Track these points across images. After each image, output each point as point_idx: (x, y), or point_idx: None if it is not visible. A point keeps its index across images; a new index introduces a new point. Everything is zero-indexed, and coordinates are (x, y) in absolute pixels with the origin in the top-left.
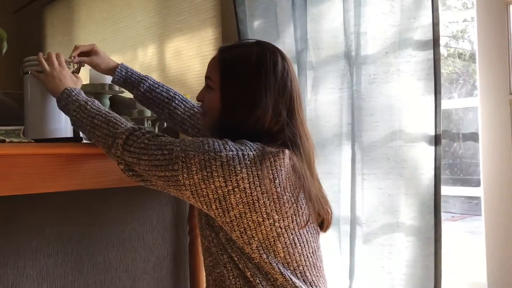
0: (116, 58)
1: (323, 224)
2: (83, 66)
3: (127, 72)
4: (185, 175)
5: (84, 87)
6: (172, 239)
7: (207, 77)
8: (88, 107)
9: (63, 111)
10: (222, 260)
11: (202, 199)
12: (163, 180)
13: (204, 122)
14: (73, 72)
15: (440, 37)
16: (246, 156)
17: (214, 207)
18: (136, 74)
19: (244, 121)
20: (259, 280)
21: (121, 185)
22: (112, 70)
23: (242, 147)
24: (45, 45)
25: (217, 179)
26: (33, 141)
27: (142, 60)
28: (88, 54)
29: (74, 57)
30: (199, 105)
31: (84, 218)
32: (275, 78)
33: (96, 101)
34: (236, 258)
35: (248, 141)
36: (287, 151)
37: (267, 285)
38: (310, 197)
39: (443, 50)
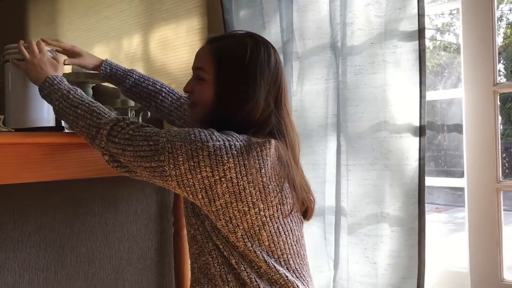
0: (100, 49)
1: (306, 213)
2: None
3: (112, 69)
4: (171, 166)
5: (66, 76)
6: (157, 229)
7: (198, 68)
8: (71, 96)
9: (45, 100)
10: (207, 248)
11: (188, 189)
12: (149, 171)
13: (193, 114)
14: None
15: (426, 30)
16: (233, 146)
17: (200, 196)
18: (120, 70)
19: (237, 113)
20: (244, 267)
21: (104, 175)
22: (97, 67)
23: (229, 138)
24: (28, 34)
25: (204, 169)
26: (13, 130)
27: (127, 50)
28: (73, 55)
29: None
30: (186, 96)
31: (67, 209)
32: (269, 70)
33: (79, 90)
34: (221, 246)
35: (234, 133)
36: (273, 141)
37: (252, 272)
38: (295, 186)
39: (428, 43)
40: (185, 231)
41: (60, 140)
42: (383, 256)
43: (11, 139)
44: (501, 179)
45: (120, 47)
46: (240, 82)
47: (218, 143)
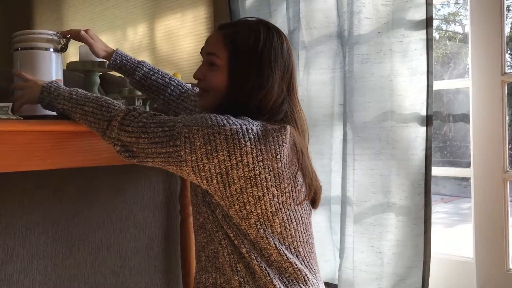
0: (106, 38)
1: (314, 201)
2: (70, 41)
3: (122, 60)
4: (187, 150)
5: (73, 64)
6: (163, 218)
7: (210, 53)
8: (74, 96)
9: (48, 109)
10: (217, 237)
11: (203, 174)
12: (163, 157)
13: (204, 101)
14: (61, 48)
15: (433, 20)
16: (250, 131)
17: (215, 182)
18: (131, 62)
19: (250, 100)
20: (254, 256)
21: (111, 163)
22: (108, 56)
23: (245, 122)
24: (34, 23)
25: (221, 153)
26: (21, 118)
27: (133, 39)
28: (82, 37)
29: (68, 37)
30: (194, 85)
31: (74, 197)
32: (282, 57)
33: (80, 89)
34: (232, 235)
35: (249, 118)
36: (288, 127)
37: (262, 260)
38: (307, 173)
39: (434, 33)
40: (191, 219)
41: (68, 128)
42: (389, 245)
43: (20, 126)
44: (508, 169)
45: (126, 36)
46: (254, 69)
47: (235, 126)
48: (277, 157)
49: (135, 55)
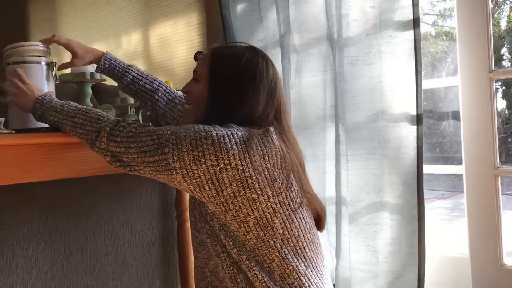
0: (100, 46)
1: (319, 222)
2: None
3: (111, 64)
4: (175, 158)
5: (65, 76)
6: (160, 224)
7: (195, 71)
8: (65, 108)
9: (40, 121)
10: (215, 250)
11: (194, 181)
12: (153, 166)
13: (189, 114)
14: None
15: (428, 16)
16: (235, 135)
17: (207, 187)
18: (119, 66)
19: (234, 114)
20: (253, 265)
21: (105, 173)
22: (97, 60)
23: (230, 129)
24: (29, 32)
25: (208, 158)
26: (14, 131)
27: (127, 47)
28: (67, 47)
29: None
30: (181, 96)
31: (71, 206)
32: (267, 80)
33: (72, 102)
34: (229, 247)
35: (234, 125)
36: (271, 128)
37: (261, 269)
38: (304, 188)
39: (431, 29)
40: (188, 224)
41: (59, 140)
42: (384, 244)
43: (12, 141)
44: (499, 165)
45: (120, 44)
46: (234, 84)
47: (221, 132)
48: (265, 157)
49: (130, 63)
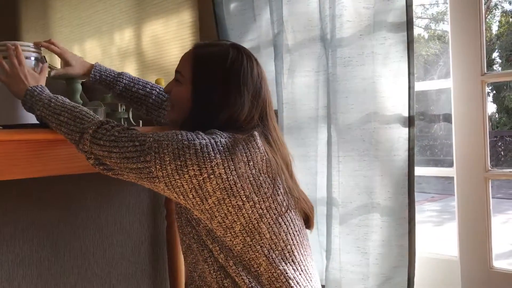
0: (92, 43)
1: (308, 222)
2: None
3: (101, 75)
4: (157, 166)
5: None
6: (149, 223)
7: (177, 71)
8: (52, 104)
9: (30, 112)
10: (202, 255)
11: (178, 189)
12: (135, 173)
13: (171, 115)
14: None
15: (421, 19)
16: (218, 143)
17: (191, 196)
18: (110, 76)
19: (217, 117)
20: (240, 270)
21: (95, 171)
22: (87, 73)
23: (213, 136)
24: (20, 30)
25: (191, 168)
26: (1, 127)
27: (119, 45)
28: (60, 56)
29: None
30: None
31: (59, 204)
32: (252, 80)
33: (61, 97)
34: (216, 252)
35: (218, 131)
36: (256, 133)
37: (248, 274)
38: (291, 192)
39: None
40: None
41: (47, 137)
42: (374, 245)
43: None
44: (490, 168)
45: (112, 41)
46: (218, 86)
47: (204, 141)
48: (250, 163)
49: (122, 60)
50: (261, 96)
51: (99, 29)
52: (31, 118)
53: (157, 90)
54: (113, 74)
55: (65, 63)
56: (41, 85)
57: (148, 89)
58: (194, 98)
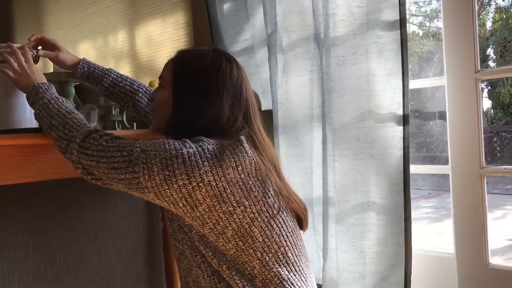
0: (87, 45)
1: (301, 222)
2: (40, 55)
3: (89, 68)
4: (146, 177)
5: (48, 76)
6: (145, 225)
7: (160, 77)
8: (50, 105)
9: (32, 108)
10: (196, 261)
11: (168, 199)
12: (124, 183)
13: (155, 120)
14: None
15: (415, 17)
16: (206, 150)
17: (181, 204)
18: (98, 69)
19: (197, 121)
20: (234, 274)
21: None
22: (75, 66)
23: (200, 143)
24: (15, 32)
25: (180, 177)
26: None
27: (113, 46)
28: (52, 48)
29: (38, 50)
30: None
31: (55, 208)
32: (231, 83)
33: (62, 100)
34: (209, 258)
35: (204, 137)
36: (242, 138)
37: (242, 277)
38: (281, 192)
39: (418, 30)
40: None
41: (41, 142)
42: (370, 244)
43: None
44: (485, 165)
45: (107, 43)
46: (196, 87)
47: (192, 149)
48: (238, 168)
49: (117, 62)
50: (242, 97)
51: (93, 31)
52: (23, 123)
53: (144, 88)
54: (101, 68)
55: (58, 49)
56: (48, 83)
57: (135, 86)
58: (174, 101)
